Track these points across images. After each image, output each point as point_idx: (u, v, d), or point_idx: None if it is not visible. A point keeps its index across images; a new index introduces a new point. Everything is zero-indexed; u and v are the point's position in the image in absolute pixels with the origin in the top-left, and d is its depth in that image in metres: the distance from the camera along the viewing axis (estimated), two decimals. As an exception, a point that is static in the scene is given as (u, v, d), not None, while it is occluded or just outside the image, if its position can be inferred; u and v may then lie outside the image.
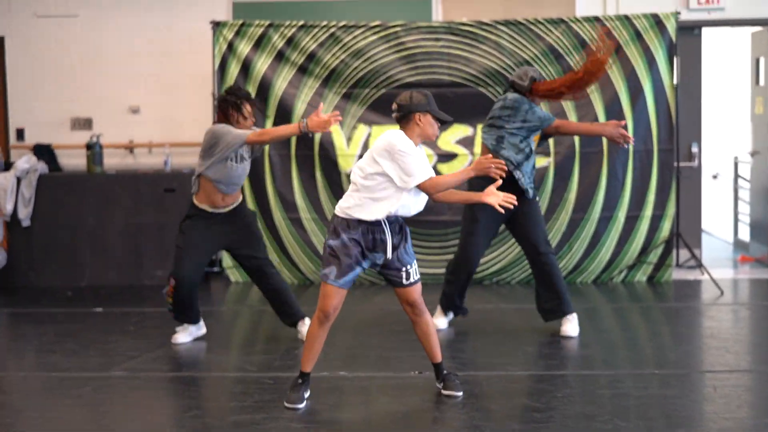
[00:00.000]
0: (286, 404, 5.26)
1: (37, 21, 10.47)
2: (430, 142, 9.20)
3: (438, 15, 10.20)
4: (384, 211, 5.19)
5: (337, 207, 5.30)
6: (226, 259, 9.52)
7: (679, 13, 9.24)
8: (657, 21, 9.13)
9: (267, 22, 9.35)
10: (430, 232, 9.22)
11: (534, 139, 6.93)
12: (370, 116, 9.31)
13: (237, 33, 9.36)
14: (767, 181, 10.39)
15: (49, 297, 9.02)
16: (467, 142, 9.29)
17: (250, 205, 9.30)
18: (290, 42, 9.33)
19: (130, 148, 10.40)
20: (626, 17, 9.17)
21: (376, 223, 5.22)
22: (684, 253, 9.68)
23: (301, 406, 5.26)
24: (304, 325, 6.87)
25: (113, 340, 7.07)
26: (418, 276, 5.42)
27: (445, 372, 5.52)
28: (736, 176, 11.70)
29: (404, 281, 5.36)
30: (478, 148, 9.14)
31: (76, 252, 9.62)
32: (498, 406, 5.36)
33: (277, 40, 9.34)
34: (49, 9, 10.46)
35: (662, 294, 8.76)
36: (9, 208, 9.46)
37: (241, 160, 6.62)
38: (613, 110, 9.16)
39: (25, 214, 9.52)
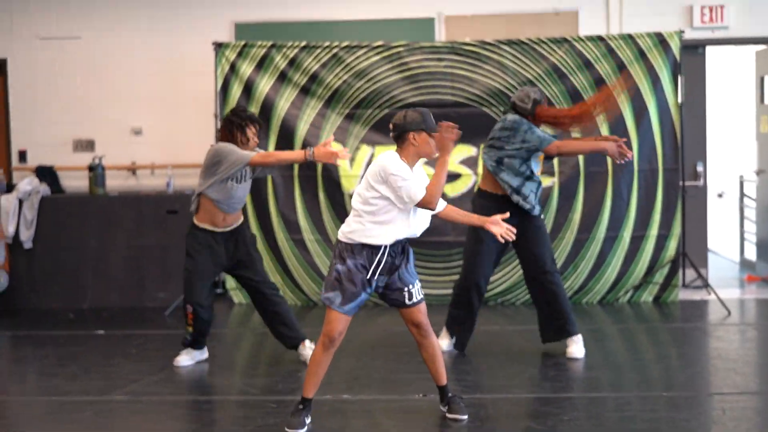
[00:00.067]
0: (287, 430, 5.19)
1: (40, 43, 10.46)
2: (434, 163, 9.15)
3: (441, 35, 10.18)
4: (392, 235, 5.13)
5: (339, 232, 5.25)
6: (230, 281, 9.47)
7: (683, 31, 9.22)
8: (661, 40, 9.10)
9: (269, 43, 9.33)
10: (434, 253, 9.17)
11: (539, 159, 6.89)
12: (373, 137, 9.27)
13: (239, 54, 9.34)
14: (773, 200, 10.33)
15: (51, 319, 8.97)
16: (471, 162, 9.24)
17: (253, 225, 9.26)
18: (293, 63, 9.31)
19: (132, 169, 10.37)
20: (630, 36, 9.14)
21: (380, 247, 5.16)
22: (690, 273, 9.61)
23: (303, 431, 5.19)
24: (305, 348, 6.81)
25: (115, 363, 7.01)
26: (422, 296, 5.36)
27: (450, 395, 5.45)
28: (742, 195, 11.64)
29: (407, 301, 5.30)
30: (481, 168, 9.07)
31: (78, 274, 9.58)
32: (503, 430, 5.30)
33: (280, 61, 9.32)
34: (51, 31, 10.45)
35: (669, 314, 8.69)
36: (11, 230, 9.42)
37: (242, 181, 6.59)
38: (618, 130, 9.09)
39: (27, 236, 9.48)
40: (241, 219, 6.82)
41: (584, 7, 10.12)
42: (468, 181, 9.24)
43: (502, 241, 5.32)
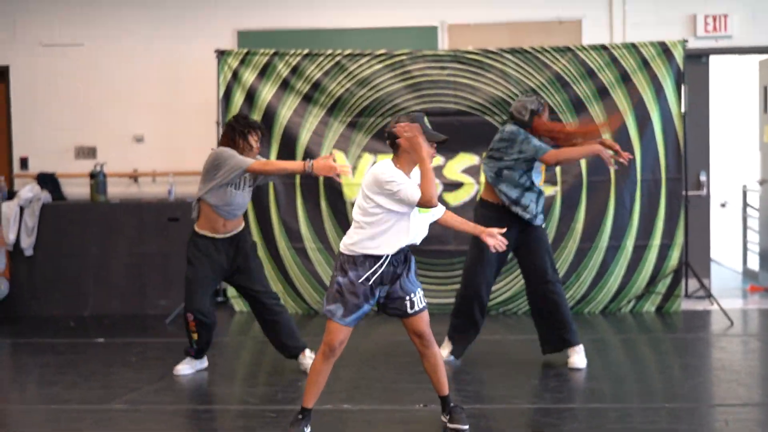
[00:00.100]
0: (287, 439, 5.17)
1: (42, 50, 10.46)
2: (436, 171, 9.15)
3: (444, 43, 10.16)
4: (393, 243, 5.10)
5: (341, 244, 5.21)
6: (231, 289, 9.44)
7: (686, 41, 9.20)
8: (664, 49, 9.08)
9: (272, 51, 9.32)
10: (436, 262, 9.14)
11: (540, 169, 6.87)
12: (375, 145, 9.25)
13: (242, 61, 9.33)
14: (776, 210, 10.31)
15: (52, 327, 8.94)
16: (473, 171, 9.22)
17: (254, 233, 9.23)
18: (295, 70, 9.30)
19: (134, 177, 10.36)
20: (633, 45, 9.12)
21: (383, 257, 5.14)
22: (693, 283, 9.58)
23: (303, 440, 5.16)
24: (306, 357, 6.78)
25: (114, 372, 6.99)
26: (424, 304, 5.32)
27: (451, 405, 5.42)
28: (745, 205, 11.61)
29: (409, 310, 5.27)
30: (483, 178, 9.05)
31: (79, 281, 9.56)
32: (504, 441, 5.26)
33: (282, 69, 9.30)
34: (54, 38, 10.46)
35: (671, 325, 8.66)
36: (12, 237, 9.41)
37: (241, 188, 6.56)
38: (621, 139, 9.05)
39: (27, 244, 9.47)
40: (242, 225, 6.79)
41: (588, 16, 10.11)
42: (470, 190, 9.22)
43: (494, 251, 5.37)
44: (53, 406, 6.08)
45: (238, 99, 9.33)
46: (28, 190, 9.59)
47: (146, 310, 9.49)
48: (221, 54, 9.37)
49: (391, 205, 5.04)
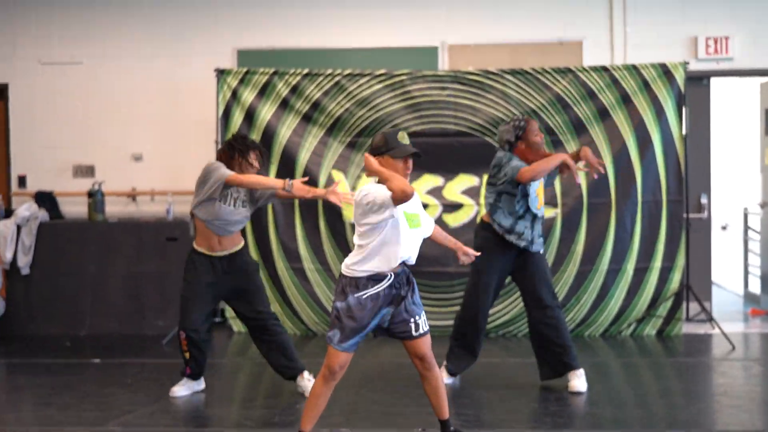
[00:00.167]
0: (285, 463, 5.11)
1: (42, 68, 10.44)
2: (436, 192, 9.11)
3: (444, 64, 10.14)
4: (392, 258, 5.06)
5: (342, 266, 5.17)
6: (230, 309, 9.37)
7: (687, 63, 9.17)
8: (665, 71, 9.05)
9: (272, 70, 9.29)
10: (436, 284, 9.09)
11: (537, 194, 6.82)
12: (375, 165, 9.18)
13: (241, 81, 9.30)
14: (778, 233, 10.25)
15: (48, 347, 8.87)
16: (473, 192, 9.17)
17: (253, 253, 9.17)
18: (295, 90, 9.27)
19: (132, 195, 10.31)
20: (634, 67, 9.09)
21: (385, 277, 5.10)
22: (694, 306, 9.51)
23: (300, 465, 5.10)
24: (304, 379, 6.71)
25: (110, 393, 6.91)
26: (428, 327, 5.29)
27: (451, 429, 5.37)
28: (746, 228, 11.56)
29: (414, 332, 5.23)
30: (483, 199, 9.01)
31: (76, 301, 9.49)
32: (504, 467, 5.19)
33: (282, 88, 9.27)
34: (53, 56, 10.43)
35: (672, 348, 8.59)
36: (9, 256, 9.35)
37: (230, 203, 6.51)
38: (622, 161, 9.06)
39: (24, 262, 9.41)
40: (240, 244, 6.72)
41: (588, 37, 10.09)
42: (470, 211, 9.17)
43: (463, 260, 5.56)
44: (47, 428, 6.00)
45: (238, 118, 9.29)
46: (25, 208, 9.54)
47: (143, 330, 9.42)
48: (221, 73, 9.34)
49: (378, 216, 4.99)
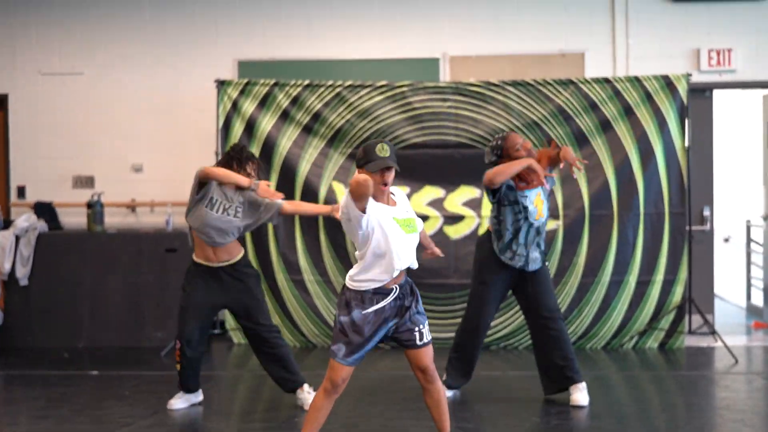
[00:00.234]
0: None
1: (42, 78, 10.41)
2: (437, 204, 9.07)
3: (445, 75, 10.11)
4: (391, 264, 5.01)
5: (347, 278, 5.12)
6: (229, 320, 9.34)
7: (690, 74, 9.14)
8: (668, 82, 9.01)
9: (272, 81, 9.26)
10: (437, 296, 9.03)
11: (535, 205, 6.76)
12: (375, 177, 9.14)
13: (242, 92, 9.27)
14: (781, 245, 10.20)
15: (45, 358, 8.82)
16: (474, 204, 9.13)
17: (253, 265, 9.08)
18: (295, 101, 9.23)
19: (131, 206, 10.27)
20: (636, 78, 9.06)
21: (390, 291, 5.06)
22: (696, 319, 9.46)
23: (299, 479, 5.04)
24: (304, 392, 6.65)
25: (107, 406, 6.85)
26: (431, 337, 5.25)
27: (451, 443, 5.32)
28: (749, 240, 11.51)
29: (418, 342, 5.19)
30: (485, 210, 8.99)
31: (75, 312, 9.44)
32: (505, 482, 5.13)
33: (282, 100, 9.24)
34: (53, 67, 10.41)
35: (674, 361, 8.53)
36: (7, 266, 9.31)
37: (216, 210, 6.46)
38: (624, 173, 9.02)
39: (22, 273, 9.36)
40: (238, 256, 6.66)
41: (590, 48, 10.05)
42: (471, 223, 9.12)
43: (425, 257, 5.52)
44: (43, 440, 5.96)
45: (238, 129, 9.26)
46: (24, 219, 9.49)
47: (142, 342, 9.37)
48: (221, 84, 9.31)
49: (355, 221, 4.94)
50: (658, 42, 10.02)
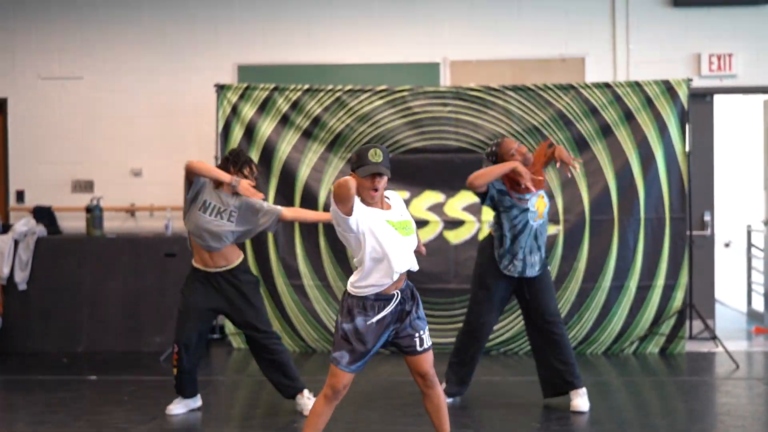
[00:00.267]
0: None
1: (41, 83, 10.39)
2: (437, 209, 9.05)
3: (446, 80, 10.09)
4: (389, 267, 4.99)
5: (348, 284, 5.10)
6: (229, 325, 9.31)
7: (690, 79, 9.12)
8: (668, 87, 9.00)
9: (272, 86, 9.25)
10: (436, 301, 9.01)
11: (536, 207, 6.75)
12: (375, 181, 9.13)
13: (241, 96, 9.25)
14: (781, 251, 10.18)
15: (44, 363, 8.79)
16: (474, 209, 9.11)
17: (252, 270, 9.09)
18: (295, 106, 9.22)
19: (131, 211, 10.25)
20: (637, 83, 9.04)
21: (392, 297, 5.05)
22: (697, 324, 9.44)
23: (298, 485, 5.02)
24: (304, 398, 6.63)
25: (105, 411, 6.83)
26: (431, 343, 5.23)
27: (451, 449, 5.29)
28: (750, 245, 11.49)
29: (418, 347, 5.17)
30: (485, 215, 8.97)
31: (74, 317, 9.41)
32: (505, 488, 5.11)
33: (282, 104, 9.22)
34: (53, 71, 10.39)
35: (675, 367, 8.51)
36: (5, 271, 9.28)
37: (211, 213, 6.44)
38: (625, 178, 9.00)
39: (21, 278, 9.33)
40: (236, 262, 6.63)
41: (591, 53, 10.04)
42: (471, 228, 9.10)
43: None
44: (41, 446, 5.93)
45: (237, 134, 9.24)
46: (23, 223, 9.47)
47: (141, 346, 9.34)
48: (221, 88, 9.30)
49: (350, 222, 4.92)
50: (658, 47, 10.01)
